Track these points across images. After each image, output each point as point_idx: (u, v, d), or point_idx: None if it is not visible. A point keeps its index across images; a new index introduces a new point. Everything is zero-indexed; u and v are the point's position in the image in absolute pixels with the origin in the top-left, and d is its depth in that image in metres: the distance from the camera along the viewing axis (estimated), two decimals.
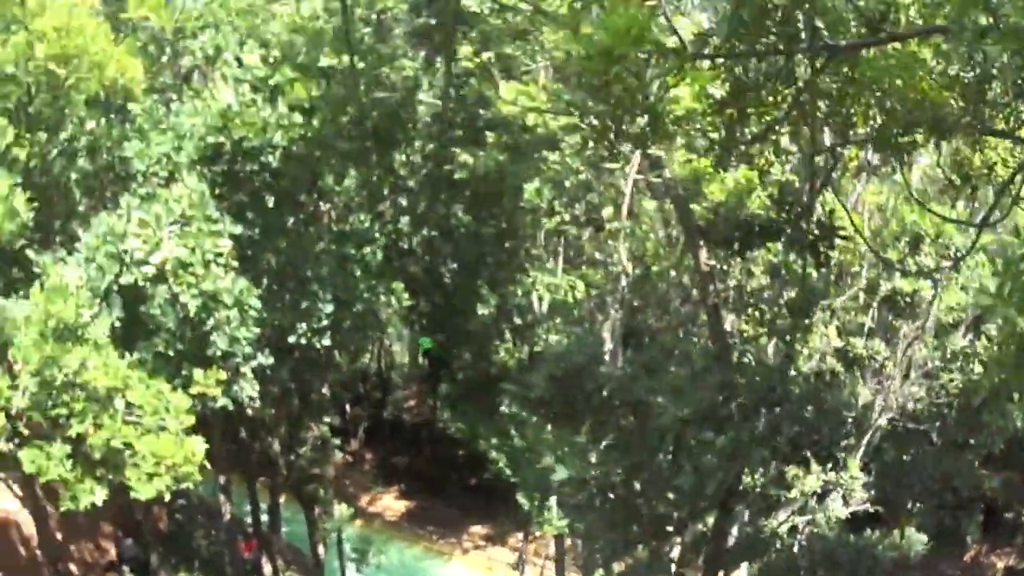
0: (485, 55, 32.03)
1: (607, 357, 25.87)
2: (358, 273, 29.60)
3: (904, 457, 19.01)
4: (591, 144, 19.92)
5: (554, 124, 27.00)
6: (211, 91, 27.27)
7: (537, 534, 43.97)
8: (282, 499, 42.26)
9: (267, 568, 41.71)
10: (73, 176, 27.02)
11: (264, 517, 41.96)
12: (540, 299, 30.77)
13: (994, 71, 11.47)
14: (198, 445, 21.80)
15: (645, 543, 19.22)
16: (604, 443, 18.21)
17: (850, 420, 16.68)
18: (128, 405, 21.43)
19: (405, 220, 36.29)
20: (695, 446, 16.33)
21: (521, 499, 32.64)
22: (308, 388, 34.95)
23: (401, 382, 64.46)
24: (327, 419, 37.56)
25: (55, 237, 27.05)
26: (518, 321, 36.36)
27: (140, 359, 23.02)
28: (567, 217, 26.64)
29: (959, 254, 23.75)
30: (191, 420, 22.09)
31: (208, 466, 23.00)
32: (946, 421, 20.18)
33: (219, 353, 23.75)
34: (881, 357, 23.54)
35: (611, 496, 17.96)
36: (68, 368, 20.40)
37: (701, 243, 19.23)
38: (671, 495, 18.29)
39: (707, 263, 19.08)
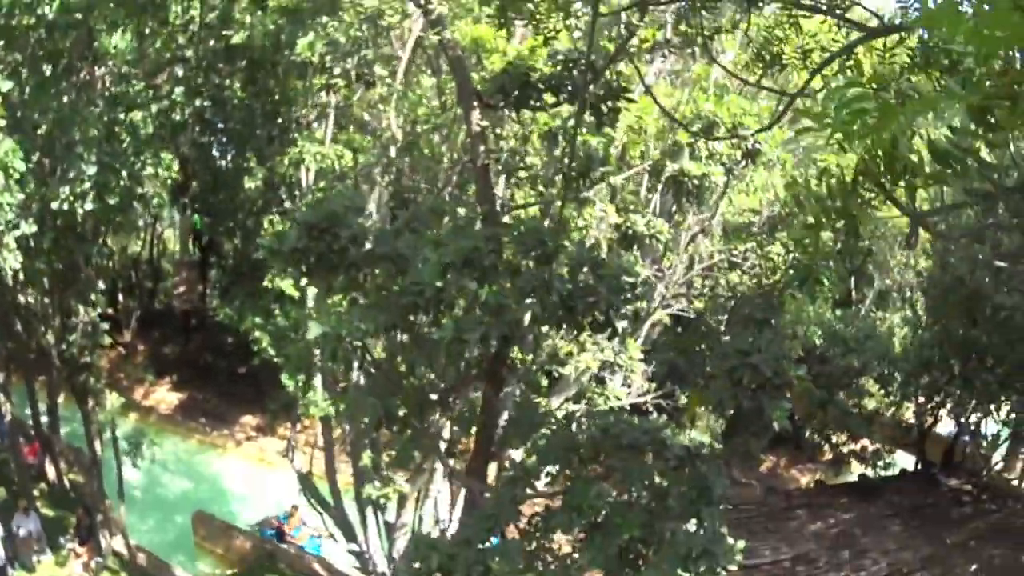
0: None
1: (372, 214, 25.16)
2: (126, 139, 28.24)
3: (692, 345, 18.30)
4: None
5: None
6: None
7: (307, 424, 43.80)
8: (60, 400, 40.77)
9: (51, 471, 41.10)
10: None
11: (44, 420, 40.74)
12: (308, 170, 29.68)
13: None
14: None
15: (409, 416, 18.30)
16: (361, 300, 17.19)
17: (628, 285, 15.81)
18: None
19: (179, 91, 34.80)
20: (456, 300, 15.40)
21: (285, 380, 31.64)
22: (75, 267, 33.45)
23: (172, 270, 63.07)
24: (98, 309, 36.16)
25: None
26: (284, 196, 35.22)
27: None
28: (337, 71, 25.48)
29: (756, 146, 23.61)
30: None
31: None
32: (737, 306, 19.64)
33: None
34: (663, 238, 23.08)
35: (368, 359, 17.00)
36: None
37: (475, 104, 18.31)
38: (432, 359, 17.49)
39: (479, 123, 18.14)
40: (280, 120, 34.89)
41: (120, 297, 59.91)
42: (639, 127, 24.16)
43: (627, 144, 24.24)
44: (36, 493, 38.49)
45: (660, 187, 24.80)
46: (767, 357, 14.59)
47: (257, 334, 36.67)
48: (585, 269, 15.84)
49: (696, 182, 22.61)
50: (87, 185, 26.53)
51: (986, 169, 6.41)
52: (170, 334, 60.42)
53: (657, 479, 15.93)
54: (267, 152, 35.95)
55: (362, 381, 26.19)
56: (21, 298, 35.27)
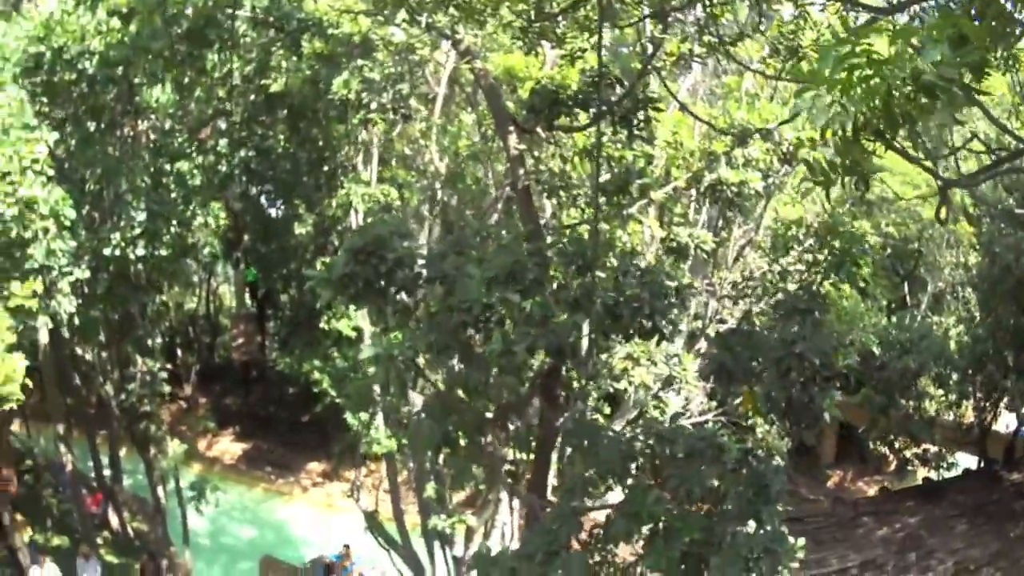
0: None
1: (419, 239, 25.55)
2: (174, 189, 29.16)
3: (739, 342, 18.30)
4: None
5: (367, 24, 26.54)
6: (35, 5, 26.78)
7: (372, 467, 44.26)
8: (123, 452, 41.48)
9: (114, 520, 41.37)
10: None
11: (107, 472, 41.09)
12: (356, 212, 30.14)
13: None
14: (18, 363, 21.28)
15: (466, 436, 18.60)
16: (412, 320, 17.49)
17: (671, 290, 16.05)
18: None
19: (223, 143, 35.41)
20: (504, 316, 15.66)
21: (348, 418, 32.07)
22: (130, 317, 34.21)
23: (229, 324, 63.86)
24: (156, 360, 36.81)
25: None
26: (335, 239, 35.77)
27: None
28: (374, 106, 25.88)
29: (791, 149, 23.66)
30: (12, 338, 21.59)
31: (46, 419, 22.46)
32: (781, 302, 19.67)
33: (36, 266, 23.08)
34: (708, 248, 23.24)
35: (423, 380, 17.32)
36: None
37: (511, 128, 18.69)
38: (486, 377, 17.71)
39: (516, 147, 18.51)
40: (325, 166, 35.34)
41: (179, 352, 60.70)
42: (676, 142, 24.34)
43: (668, 159, 24.41)
44: (100, 541, 38.99)
45: (704, 201, 24.92)
46: (812, 346, 14.76)
47: (317, 376, 37.09)
48: (628, 277, 16.08)
49: (735, 190, 22.71)
50: (137, 231, 27.33)
51: (968, 94, 6.65)
52: (231, 387, 60.81)
53: (715, 483, 16.07)
54: (315, 198, 36.51)
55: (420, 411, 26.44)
56: (79, 350, 36.03)
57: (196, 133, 33.87)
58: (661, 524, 15.55)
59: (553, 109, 17.88)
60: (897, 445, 42.68)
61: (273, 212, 48.04)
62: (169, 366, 40.92)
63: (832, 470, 52.35)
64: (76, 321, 26.80)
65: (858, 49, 6.51)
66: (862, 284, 21.86)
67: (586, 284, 15.54)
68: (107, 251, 27.21)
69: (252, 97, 34.65)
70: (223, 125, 36.31)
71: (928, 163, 10.20)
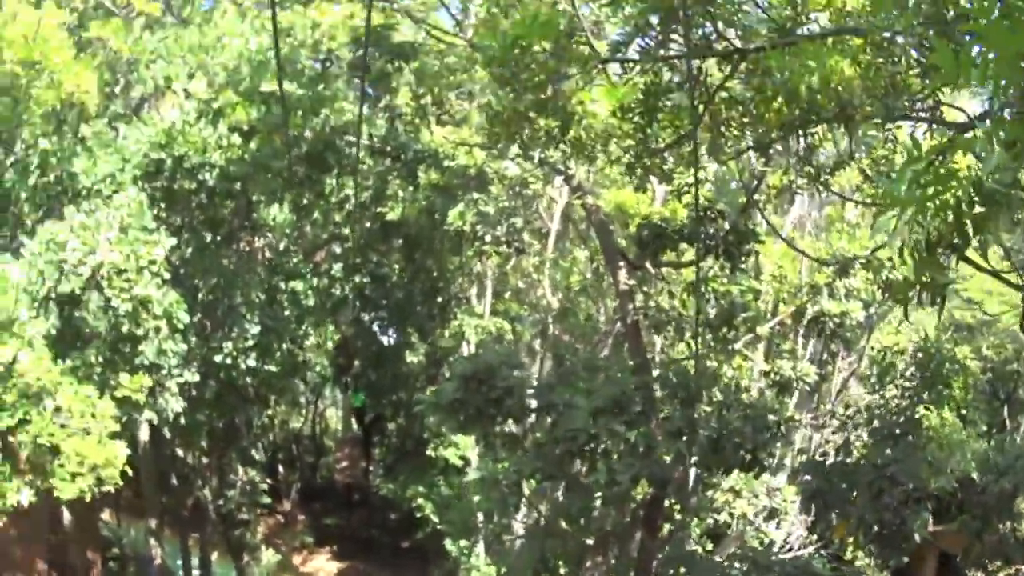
0: (421, 93, 32.18)
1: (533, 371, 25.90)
2: (287, 307, 29.80)
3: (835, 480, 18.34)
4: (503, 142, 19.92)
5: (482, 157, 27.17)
6: (157, 111, 27.63)
7: None
8: (214, 556, 41.41)
9: None
10: (24, 194, 27.02)
11: (196, 574, 40.98)
12: (468, 343, 30.58)
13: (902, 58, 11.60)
14: (120, 449, 21.65)
15: (566, 563, 18.87)
16: (519, 448, 17.85)
17: (773, 424, 16.31)
18: (56, 409, 21.31)
19: (338, 267, 36.20)
20: (610, 447, 15.95)
21: (448, 545, 32.25)
22: (235, 427, 34.67)
23: (334, 446, 64.03)
24: (258, 476, 37.28)
25: (1, 242, 26.96)
26: (447, 373, 36.17)
27: (72, 367, 22.94)
28: (488, 238, 26.39)
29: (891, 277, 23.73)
30: (116, 426, 21.94)
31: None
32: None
33: (146, 363, 23.63)
34: (812, 380, 23.42)
35: (526, 508, 17.67)
36: (2, 358, 20.47)
37: (621, 264, 19.18)
38: (588, 506, 17.99)
39: (626, 282, 18.97)
40: (439, 297, 35.89)
41: (280, 468, 60.19)
42: (781, 276, 24.62)
43: (775, 293, 24.69)
44: None
45: (807, 333, 25.09)
46: (903, 468, 14.90)
47: (421, 502, 37.25)
48: (732, 411, 16.37)
49: (837, 321, 22.87)
50: (250, 343, 27.84)
51: None
52: (331, 507, 60.27)
53: None
54: (428, 327, 36.97)
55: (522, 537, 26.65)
56: (180, 452, 36.52)
57: (311, 256, 34.60)
58: None
59: (659, 243, 18.33)
60: (991, 569, 41.70)
61: (384, 340, 48.53)
62: (270, 481, 41.09)
63: None
64: (182, 421, 27.03)
65: (931, 166, 6.85)
66: (956, 406, 21.81)
67: (689, 416, 15.82)
68: (218, 358, 27.72)
69: (368, 224, 35.33)
70: (338, 250, 37.27)
71: (1010, 275, 10.42)
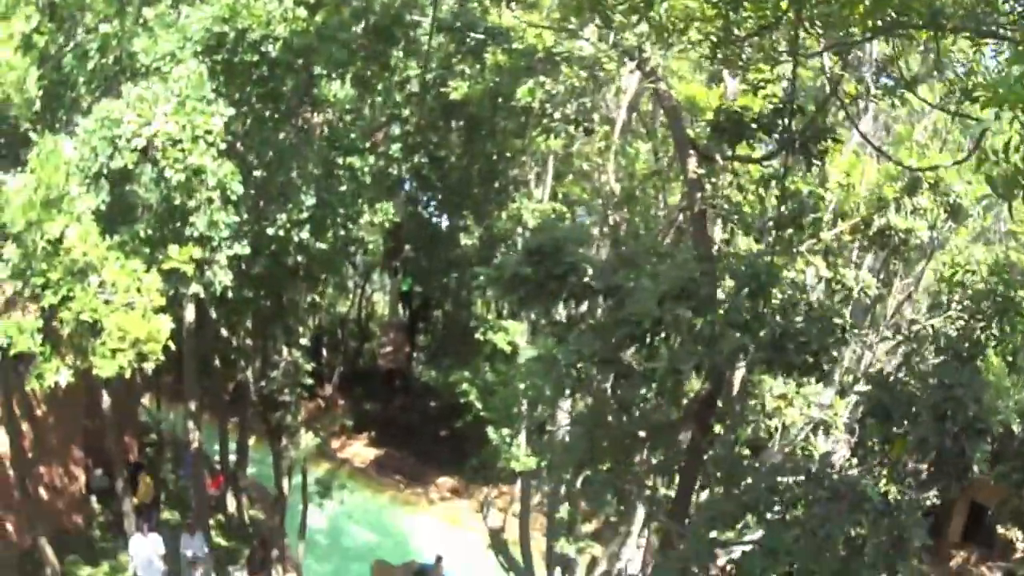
0: None
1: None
2: (344, 182, 29.25)
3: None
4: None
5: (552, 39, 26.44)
6: None
7: (503, 489, 43.86)
8: (251, 442, 42.21)
9: (231, 504, 41.90)
10: (82, 78, 26.48)
11: (232, 458, 41.93)
12: (525, 226, 30.12)
13: None
14: (164, 324, 21.33)
15: (614, 455, 18.43)
16: (577, 330, 17.35)
17: (838, 328, 15.80)
18: (101, 284, 21.12)
19: (396, 147, 35.76)
20: (672, 333, 15.46)
21: (491, 433, 32.06)
22: (282, 305, 34.70)
23: (379, 331, 64.16)
24: (302, 358, 37.22)
25: (58, 125, 26.28)
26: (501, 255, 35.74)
27: (120, 242, 22.70)
28: (556, 116, 25.76)
29: (957, 202, 23.28)
30: (161, 301, 21.66)
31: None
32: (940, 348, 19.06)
33: (196, 235, 23.14)
34: (873, 293, 22.94)
35: (578, 395, 17.22)
36: (49, 234, 20.25)
37: (691, 152, 18.61)
38: (643, 395, 17.54)
39: (695, 171, 18.41)
40: (497, 181, 35.38)
41: (324, 352, 61.25)
42: (848, 184, 24.03)
43: (840, 202, 24.10)
44: (212, 523, 39.15)
45: (868, 246, 24.58)
46: (969, 393, 14.34)
47: (466, 387, 37.11)
48: (795, 312, 15.86)
49: (903, 236, 22.39)
50: (304, 216, 27.35)
51: None
52: (372, 392, 60.83)
53: (855, 531, 15.62)
54: (484, 211, 36.48)
55: (566, 437, 26.34)
56: (224, 332, 36.51)
57: (370, 135, 34.06)
58: (795, 566, 15.14)
59: (736, 131, 17.70)
60: None
61: (439, 223, 48.23)
62: (313, 364, 41.15)
63: (956, 551, 50.77)
64: (229, 296, 26.68)
65: None
66: (1003, 352, 21.13)
67: (757, 308, 15.30)
68: (270, 231, 27.29)
69: (430, 105, 34.95)
70: (397, 131, 36.93)
71: None
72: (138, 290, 21.39)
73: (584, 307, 17.35)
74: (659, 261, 18.10)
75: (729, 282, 16.93)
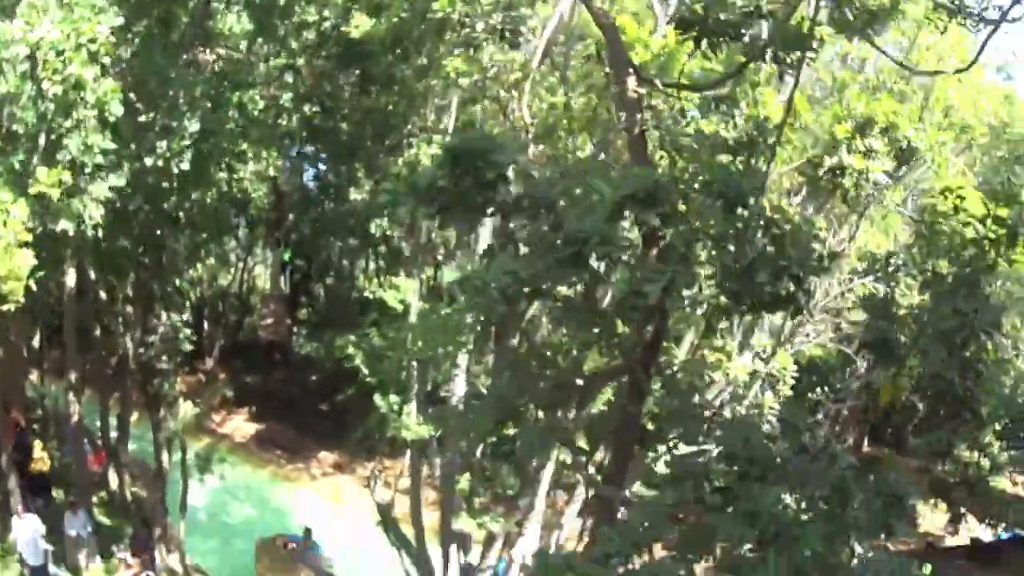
0: None
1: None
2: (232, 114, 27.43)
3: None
4: None
5: None
6: None
7: (387, 464, 42.27)
8: (134, 417, 40.32)
9: (113, 481, 40.41)
10: None
11: (114, 434, 40.16)
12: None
13: None
14: (26, 259, 19.84)
15: (541, 408, 15.98)
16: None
17: (817, 254, 13.59)
18: None
19: (287, 96, 33.75)
20: (624, 251, 13.05)
21: (377, 400, 30.32)
22: (161, 268, 33.02)
23: (260, 304, 63.42)
24: (180, 321, 35.57)
25: None
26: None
27: None
28: (480, 26, 23.32)
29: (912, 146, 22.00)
30: (26, 236, 20.11)
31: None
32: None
33: (68, 158, 20.92)
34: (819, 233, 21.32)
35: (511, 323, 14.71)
36: None
37: (629, 71, 16.45)
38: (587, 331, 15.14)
39: (635, 90, 16.21)
40: (393, 133, 33.30)
41: (205, 325, 59.93)
42: (793, 121, 22.40)
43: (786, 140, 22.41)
44: (95, 500, 37.91)
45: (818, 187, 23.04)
46: (984, 320, 12.23)
47: (352, 351, 35.54)
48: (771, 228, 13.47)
49: (856, 177, 20.81)
50: (187, 143, 25.00)
51: None
52: (253, 366, 59.65)
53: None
54: (377, 163, 34.47)
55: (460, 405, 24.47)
56: (104, 295, 34.72)
57: (265, 87, 32.46)
58: (775, 529, 12.68)
59: (704, 29, 15.42)
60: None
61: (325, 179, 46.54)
62: (194, 336, 40.22)
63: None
64: (104, 246, 24.49)
65: None
66: None
67: (735, 221, 12.87)
68: (149, 161, 24.87)
69: (325, 53, 33.69)
70: (290, 79, 35.29)
71: None
72: (4, 223, 19.87)
73: (515, 224, 14.72)
74: (600, 173, 15.76)
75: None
